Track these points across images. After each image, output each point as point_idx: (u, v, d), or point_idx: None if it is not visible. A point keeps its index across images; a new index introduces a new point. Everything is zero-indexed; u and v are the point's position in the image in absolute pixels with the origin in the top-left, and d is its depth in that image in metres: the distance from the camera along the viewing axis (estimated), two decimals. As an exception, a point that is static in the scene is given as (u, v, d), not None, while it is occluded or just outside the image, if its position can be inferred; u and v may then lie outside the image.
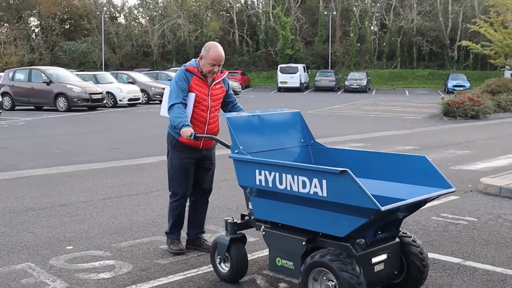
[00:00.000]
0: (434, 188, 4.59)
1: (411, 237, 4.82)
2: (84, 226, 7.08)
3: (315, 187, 4.28)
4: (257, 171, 4.71)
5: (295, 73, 51.44)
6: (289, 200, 4.57)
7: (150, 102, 32.87)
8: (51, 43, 72.65)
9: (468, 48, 40.81)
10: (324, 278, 4.39)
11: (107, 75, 32.83)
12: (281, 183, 4.53)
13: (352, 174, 4.06)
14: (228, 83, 6.01)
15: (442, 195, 4.65)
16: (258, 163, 4.72)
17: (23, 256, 5.95)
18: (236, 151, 4.93)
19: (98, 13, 72.09)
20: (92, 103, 27.17)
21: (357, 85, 50.48)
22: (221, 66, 5.68)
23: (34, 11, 76.34)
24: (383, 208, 3.97)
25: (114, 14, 78.61)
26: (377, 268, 4.53)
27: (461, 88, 40.76)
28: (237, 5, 71.45)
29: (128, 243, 6.38)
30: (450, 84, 47.97)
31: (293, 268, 4.72)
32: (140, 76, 35.56)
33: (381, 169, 4.96)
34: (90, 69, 59.31)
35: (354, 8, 67.13)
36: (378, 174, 4.96)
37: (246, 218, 5.29)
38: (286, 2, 66.15)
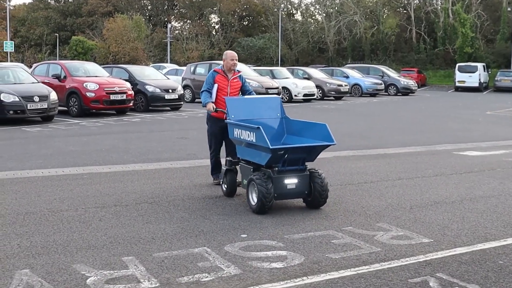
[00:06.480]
0: (324, 142, 7.43)
1: (318, 173, 7.55)
2: (258, 216, 7.24)
3: (252, 136, 7.32)
4: (234, 128, 7.89)
5: (474, 72, 49.23)
6: (245, 145, 7.69)
7: (325, 98, 32.86)
8: (230, 39, 75.13)
9: None
10: (253, 188, 7.38)
11: (283, 71, 33.30)
12: (241, 135, 7.64)
13: (262, 129, 7.05)
14: (244, 79, 9.14)
15: (322, 146, 7.46)
16: (234, 124, 7.91)
17: (200, 241, 6.20)
18: (228, 118, 8.08)
19: (275, 10, 73.53)
20: (267, 97, 27.45)
21: (541, 86, 47.53)
22: (237, 61, 8.89)
23: (214, 9, 79.57)
24: (271, 147, 6.93)
25: (291, 11, 79.87)
26: (289, 187, 7.40)
27: None
28: (415, 1, 69.69)
29: (301, 235, 6.45)
30: None
31: (246, 184, 7.63)
32: (316, 72, 35.68)
33: (308, 131, 7.89)
34: (267, 65, 60.64)
35: (542, 4, 63.29)
36: (306, 134, 7.89)
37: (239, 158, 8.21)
38: (466, -2, 63.69)
